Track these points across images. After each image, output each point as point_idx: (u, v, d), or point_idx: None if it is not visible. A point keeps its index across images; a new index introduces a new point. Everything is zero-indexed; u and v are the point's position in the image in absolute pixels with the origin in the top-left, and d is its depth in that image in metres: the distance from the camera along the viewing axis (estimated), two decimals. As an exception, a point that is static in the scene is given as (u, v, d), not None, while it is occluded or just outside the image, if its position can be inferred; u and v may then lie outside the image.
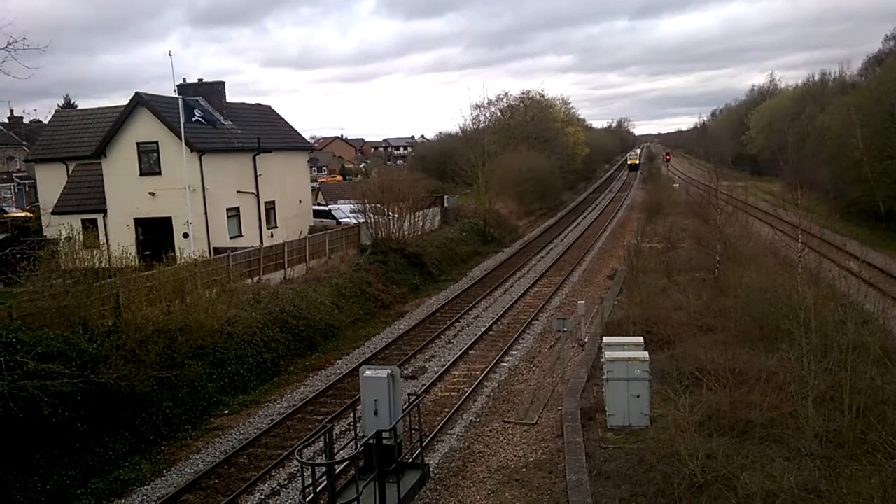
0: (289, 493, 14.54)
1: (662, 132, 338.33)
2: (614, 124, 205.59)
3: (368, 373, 9.64)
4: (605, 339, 18.20)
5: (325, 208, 46.31)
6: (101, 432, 16.06)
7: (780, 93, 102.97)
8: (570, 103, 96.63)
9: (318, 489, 8.95)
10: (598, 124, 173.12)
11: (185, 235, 30.25)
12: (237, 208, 33.59)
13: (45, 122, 54.83)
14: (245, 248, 29.19)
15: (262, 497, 14.43)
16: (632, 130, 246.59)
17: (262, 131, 36.71)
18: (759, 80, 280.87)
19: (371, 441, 9.16)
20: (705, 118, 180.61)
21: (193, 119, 30.14)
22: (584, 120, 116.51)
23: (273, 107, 42.35)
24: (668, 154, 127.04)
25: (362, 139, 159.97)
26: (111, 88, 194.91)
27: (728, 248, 28.13)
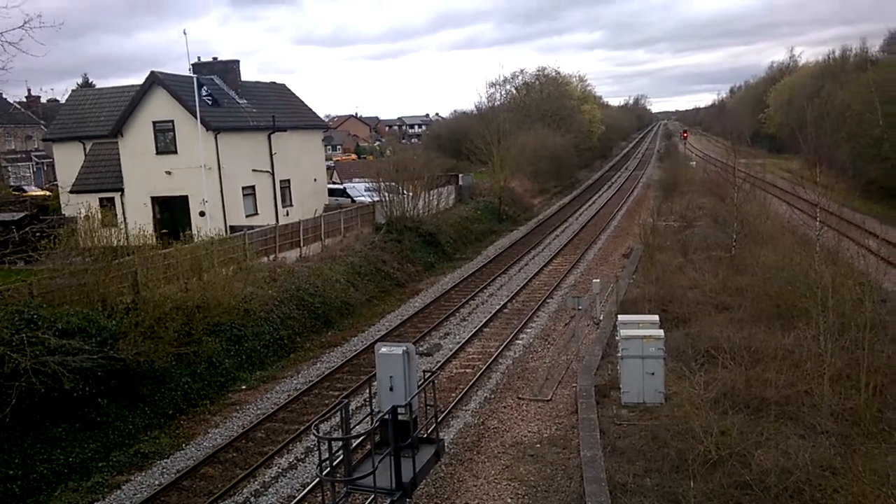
0: (306, 466, 14.76)
1: (680, 109, 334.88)
2: (631, 101, 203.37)
3: (384, 350, 9.70)
4: (621, 317, 18.19)
5: (340, 187, 46.32)
6: (122, 407, 16.36)
7: (800, 69, 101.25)
8: (586, 80, 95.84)
9: (334, 463, 9.06)
10: (615, 101, 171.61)
11: (202, 214, 30.44)
12: (253, 187, 33.71)
13: (63, 101, 55.15)
14: (261, 226, 29.34)
15: (280, 470, 14.65)
16: (648, 108, 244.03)
17: (277, 110, 36.70)
18: (780, 56, 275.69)
19: (387, 416, 9.24)
20: (724, 95, 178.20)
21: (204, 96, 30.16)
22: (600, 97, 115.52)
23: (290, 85, 42.35)
24: (685, 131, 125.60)
25: (377, 117, 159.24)
26: (142, 67, 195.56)
27: (745, 226, 27.88)
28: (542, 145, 60.58)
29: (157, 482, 14.33)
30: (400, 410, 9.23)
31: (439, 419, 14.05)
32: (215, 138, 30.88)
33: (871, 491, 10.19)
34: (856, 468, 11.14)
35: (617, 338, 16.82)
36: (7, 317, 15.15)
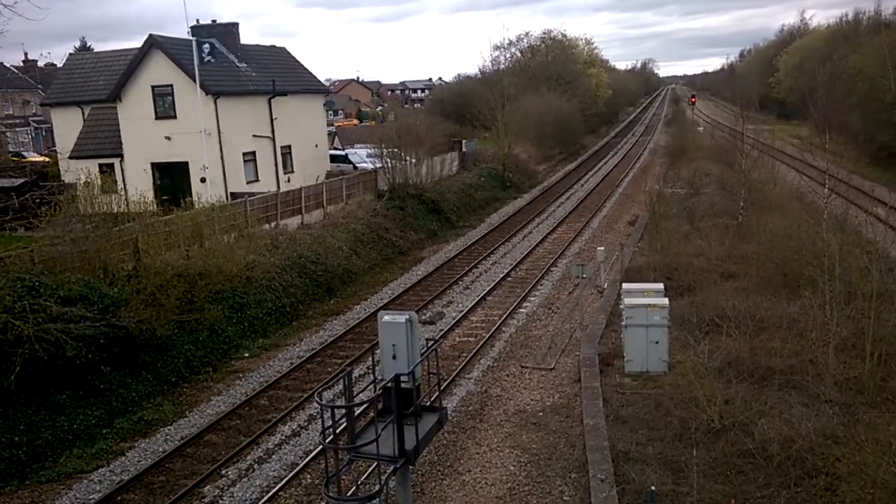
0: (309, 434, 14.81)
1: (688, 73, 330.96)
2: (638, 65, 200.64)
3: (386, 318, 9.55)
4: (625, 286, 18.05)
5: (342, 153, 45.90)
6: (125, 374, 16.37)
7: (811, 32, 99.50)
8: (593, 43, 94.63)
9: (337, 430, 9.02)
10: (623, 65, 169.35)
11: (203, 180, 30.21)
12: (253, 153, 33.41)
13: (60, 65, 54.46)
14: (262, 192, 29.13)
15: (283, 437, 14.70)
16: (656, 72, 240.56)
17: (278, 74, 36.18)
18: (791, 19, 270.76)
19: (389, 384, 9.16)
20: (733, 59, 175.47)
21: (205, 60, 29.73)
22: (607, 61, 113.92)
23: (291, 49, 41.69)
24: (693, 96, 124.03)
25: (379, 82, 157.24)
26: (140, 31, 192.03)
27: (753, 193, 27.61)
28: (548, 110, 59.83)
29: (160, 449, 14.39)
30: (403, 378, 9.14)
31: (442, 387, 14.03)
32: (215, 103, 30.51)
33: (874, 460, 10.14)
34: (858, 437, 11.10)
35: (621, 306, 16.74)
36: (9, 284, 15.08)
